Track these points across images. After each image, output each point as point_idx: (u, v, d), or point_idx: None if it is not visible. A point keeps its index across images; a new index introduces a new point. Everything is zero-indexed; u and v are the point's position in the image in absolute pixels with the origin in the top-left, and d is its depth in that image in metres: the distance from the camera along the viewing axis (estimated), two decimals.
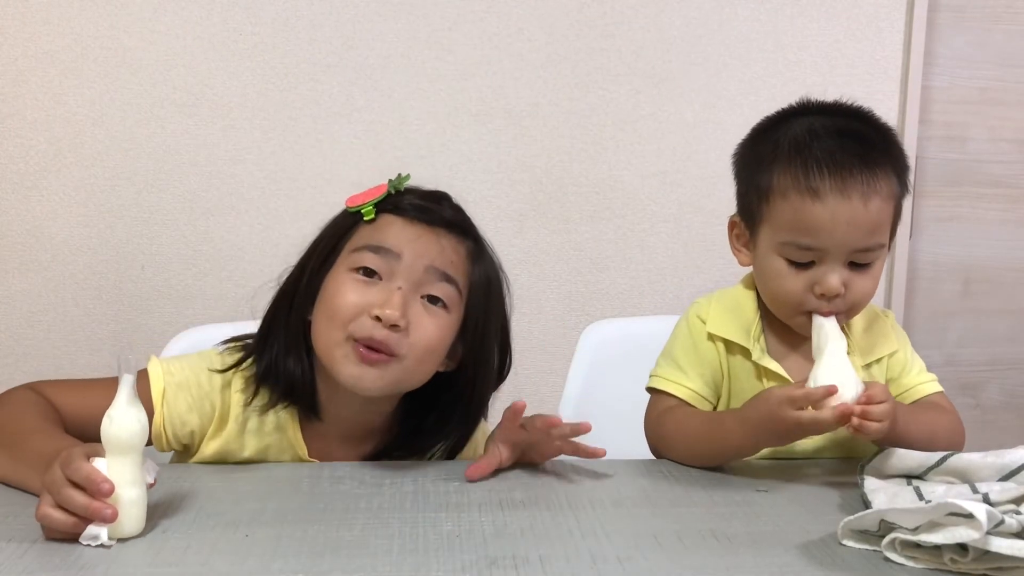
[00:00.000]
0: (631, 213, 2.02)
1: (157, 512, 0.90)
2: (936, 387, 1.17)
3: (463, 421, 1.12)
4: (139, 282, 1.92)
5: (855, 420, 0.95)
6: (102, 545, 0.81)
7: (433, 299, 1.06)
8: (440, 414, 1.11)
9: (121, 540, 0.83)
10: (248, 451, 1.09)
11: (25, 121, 1.88)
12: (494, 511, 0.92)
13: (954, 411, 1.15)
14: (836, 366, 1.00)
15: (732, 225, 1.17)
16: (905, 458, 0.96)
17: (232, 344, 1.12)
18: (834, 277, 1.05)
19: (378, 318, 1.01)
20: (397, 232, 1.07)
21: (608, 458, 1.12)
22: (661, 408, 1.16)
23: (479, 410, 1.13)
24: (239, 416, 1.08)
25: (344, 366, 1.03)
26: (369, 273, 1.05)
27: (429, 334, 1.04)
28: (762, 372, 1.14)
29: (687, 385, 1.15)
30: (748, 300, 1.18)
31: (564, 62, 1.98)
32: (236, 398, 1.09)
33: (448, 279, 1.06)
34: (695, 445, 1.09)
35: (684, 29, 2.00)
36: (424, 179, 1.93)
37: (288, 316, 1.09)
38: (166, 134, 1.89)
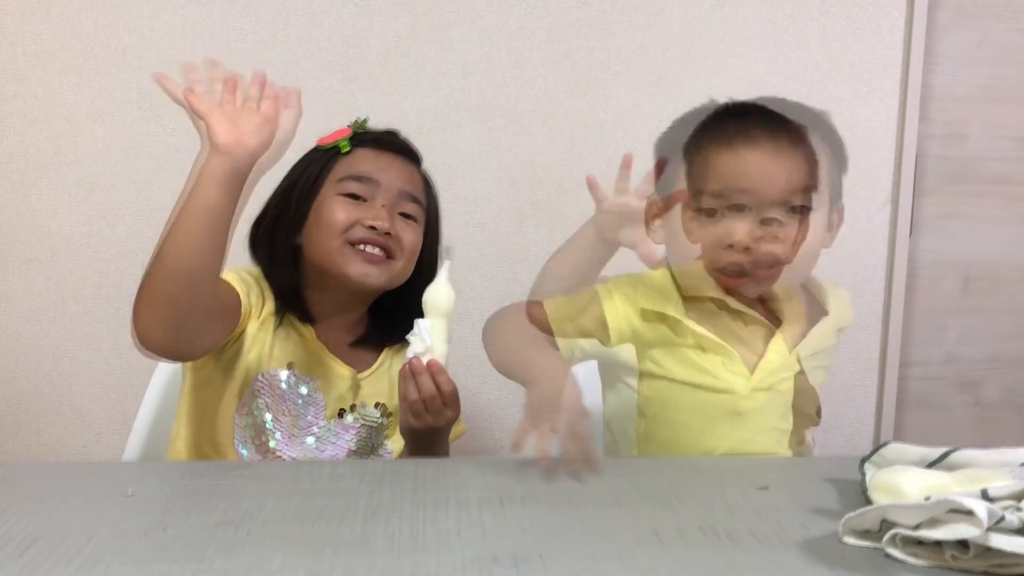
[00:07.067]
0: None
1: (157, 511, 0.90)
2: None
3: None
4: (140, 281, 1.92)
5: None
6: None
7: (405, 215, 1.33)
8: (402, 306, 1.32)
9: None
10: (279, 357, 1.31)
11: (25, 119, 1.88)
12: (494, 508, 0.92)
13: None
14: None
15: (648, 207, 1.23)
16: (906, 452, 0.96)
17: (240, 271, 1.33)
18: (742, 228, 1.10)
19: (372, 227, 1.27)
20: (372, 162, 1.32)
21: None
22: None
23: None
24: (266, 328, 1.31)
25: (351, 265, 1.27)
26: (354, 197, 1.30)
27: (411, 239, 1.32)
28: (697, 339, 1.17)
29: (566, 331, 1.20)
30: (666, 280, 1.21)
31: (564, 60, 1.98)
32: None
33: (415, 200, 1.34)
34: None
35: (684, 28, 2.00)
36: None
37: (272, 239, 1.32)
38: (166, 132, 1.89)
